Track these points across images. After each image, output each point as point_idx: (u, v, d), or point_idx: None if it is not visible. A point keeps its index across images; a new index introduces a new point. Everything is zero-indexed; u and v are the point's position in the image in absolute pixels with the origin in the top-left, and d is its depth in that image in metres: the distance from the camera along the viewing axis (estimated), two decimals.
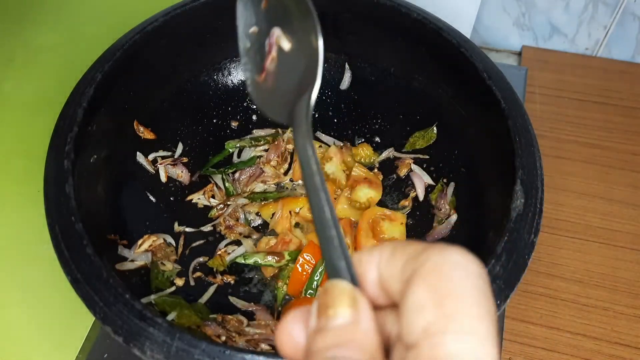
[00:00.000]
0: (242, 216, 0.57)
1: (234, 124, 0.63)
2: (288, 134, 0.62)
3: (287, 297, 0.52)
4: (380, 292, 0.19)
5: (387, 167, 0.60)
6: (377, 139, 0.62)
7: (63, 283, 0.38)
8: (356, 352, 0.17)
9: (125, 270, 0.48)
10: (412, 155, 0.60)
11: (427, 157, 0.59)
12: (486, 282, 0.18)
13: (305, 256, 0.51)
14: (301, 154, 0.23)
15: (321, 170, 0.22)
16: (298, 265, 0.51)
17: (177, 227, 0.54)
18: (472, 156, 0.54)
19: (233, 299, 0.50)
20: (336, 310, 0.18)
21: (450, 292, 0.17)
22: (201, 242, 0.55)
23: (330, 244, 0.20)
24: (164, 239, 0.52)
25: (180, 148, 0.59)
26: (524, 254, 0.39)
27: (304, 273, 0.51)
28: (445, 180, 0.56)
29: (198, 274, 0.52)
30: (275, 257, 0.52)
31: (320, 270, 0.51)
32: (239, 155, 0.62)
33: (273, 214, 0.57)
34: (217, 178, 0.59)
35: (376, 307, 0.19)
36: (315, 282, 0.51)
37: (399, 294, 0.18)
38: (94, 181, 0.48)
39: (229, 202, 0.57)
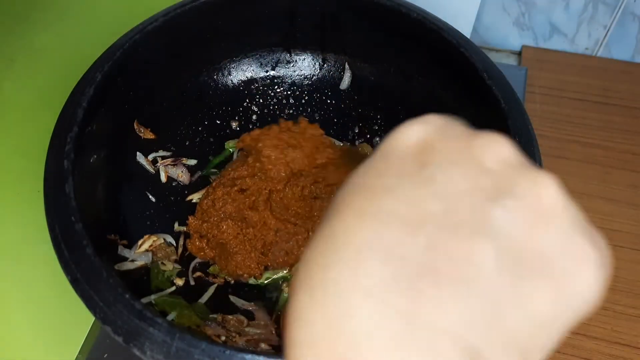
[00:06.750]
0: None
1: (234, 124, 0.63)
2: None
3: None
4: None
5: None
6: (377, 139, 0.62)
7: (63, 283, 0.38)
8: None
9: (125, 270, 0.48)
10: None
11: None
12: None
13: None
14: None
15: None
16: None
17: (177, 227, 0.54)
18: None
19: (233, 298, 0.50)
20: None
21: None
22: None
23: None
24: (164, 239, 0.52)
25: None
26: None
27: None
28: None
29: (198, 273, 0.52)
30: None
31: None
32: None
33: None
34: None
35: None
36: None
37: None
38: (94, 181, 0.48)
39: None
